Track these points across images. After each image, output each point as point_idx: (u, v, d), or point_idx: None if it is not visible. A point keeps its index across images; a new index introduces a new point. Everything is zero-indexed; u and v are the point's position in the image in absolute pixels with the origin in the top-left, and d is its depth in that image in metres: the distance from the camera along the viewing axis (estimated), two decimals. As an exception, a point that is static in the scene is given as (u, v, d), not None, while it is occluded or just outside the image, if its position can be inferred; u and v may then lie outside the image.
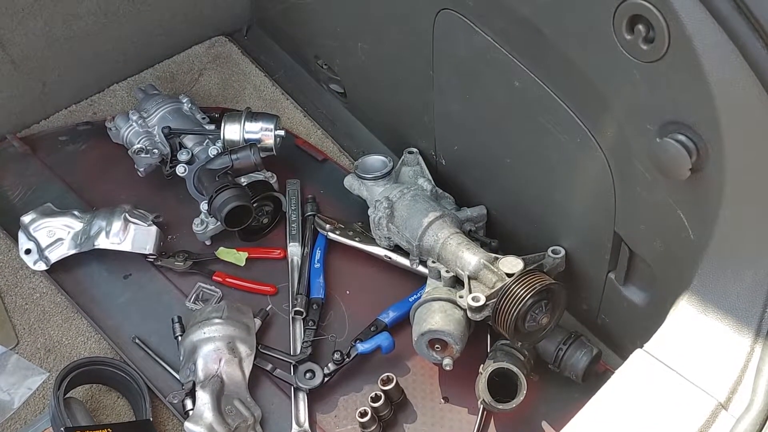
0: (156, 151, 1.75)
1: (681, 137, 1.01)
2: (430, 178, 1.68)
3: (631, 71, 1.03)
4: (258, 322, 1.60)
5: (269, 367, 1.54)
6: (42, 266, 1.69)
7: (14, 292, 1.71)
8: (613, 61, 1.04)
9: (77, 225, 1.71)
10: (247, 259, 1.72)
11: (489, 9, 1.26)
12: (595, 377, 1.46)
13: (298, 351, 1.57)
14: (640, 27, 0.98)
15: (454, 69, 1.45)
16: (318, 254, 1.71)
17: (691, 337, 0.99)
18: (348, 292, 1.69)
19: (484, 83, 1.40)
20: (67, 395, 1.47)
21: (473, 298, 1.38)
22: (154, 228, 1.70)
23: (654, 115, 1.05)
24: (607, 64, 1.07)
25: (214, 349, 1.50)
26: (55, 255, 1.69)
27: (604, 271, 1.39)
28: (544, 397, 1.50)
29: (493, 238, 1.62)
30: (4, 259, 1.76)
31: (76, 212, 1.74)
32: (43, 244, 1.69)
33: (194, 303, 1.67)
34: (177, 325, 1.59)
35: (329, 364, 1.52)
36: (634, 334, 1.27)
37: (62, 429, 1.38)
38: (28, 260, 1.69)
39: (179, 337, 1.57)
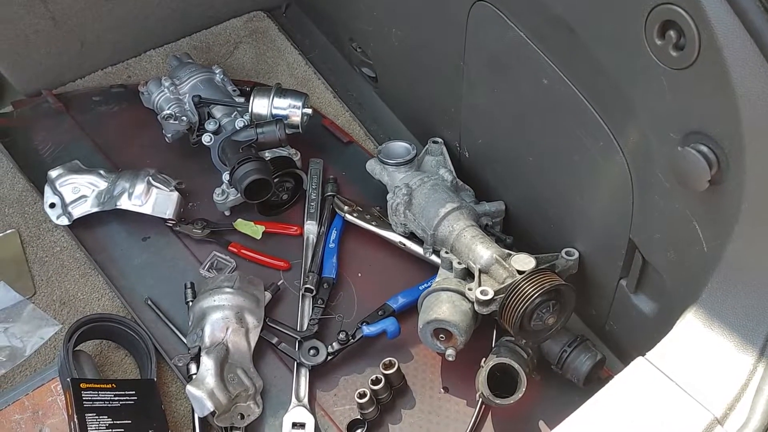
0: (184, 118, 1.78)
1: (703, 148, 0.99)
2: (452, 169, 1.68)
3: (658, 77, 1.02)
4: (268, 295, 1.62)
5: (275, 340, 1.56)
6: (64, 221, 1.72)
7: (36, 243, 1.75)
8: (642, 65, 1.03)
9: (102, 184, 1.75)
10: (263, 232, 1.74)
11: (523, 4, 1.25)
12: (597, 382, 1.45)
13: (305, 327, 1.59)
14: (672, 33, 0.97)
15: (485, 62, 1.45)
16: (334, 234, 1.72)
17: (694, 350, 0.98)
18: (360, 274, 1.69)
19: (512, 78, 1.39)
20: (77, 348, 1.51)
21: (482, 292, 1.38)
22: (175, 194, 1.73)
23: (678, 124, 1.03)
24: (635, 68, 1.06)
25: (223, 317, 1.52)
26: (78, 211, 1.72)
27: (616, 278, 1.38)
28: (544, 398, 1.49)
29: (510, 234, 1.62)
30: (30, 211, 1.80)
31: (101, 171, 1.77)
32: (68, 200, 1.73)
33: (208, 271, 1.69)
34: (189, 291, 1.61)
35: (334, 343, 1.53)
36: (640, 343, 1.25)
37: (68, 380, 1.41)
38: (52, 214, 1.73)
39: (190, 303, 1.60)
